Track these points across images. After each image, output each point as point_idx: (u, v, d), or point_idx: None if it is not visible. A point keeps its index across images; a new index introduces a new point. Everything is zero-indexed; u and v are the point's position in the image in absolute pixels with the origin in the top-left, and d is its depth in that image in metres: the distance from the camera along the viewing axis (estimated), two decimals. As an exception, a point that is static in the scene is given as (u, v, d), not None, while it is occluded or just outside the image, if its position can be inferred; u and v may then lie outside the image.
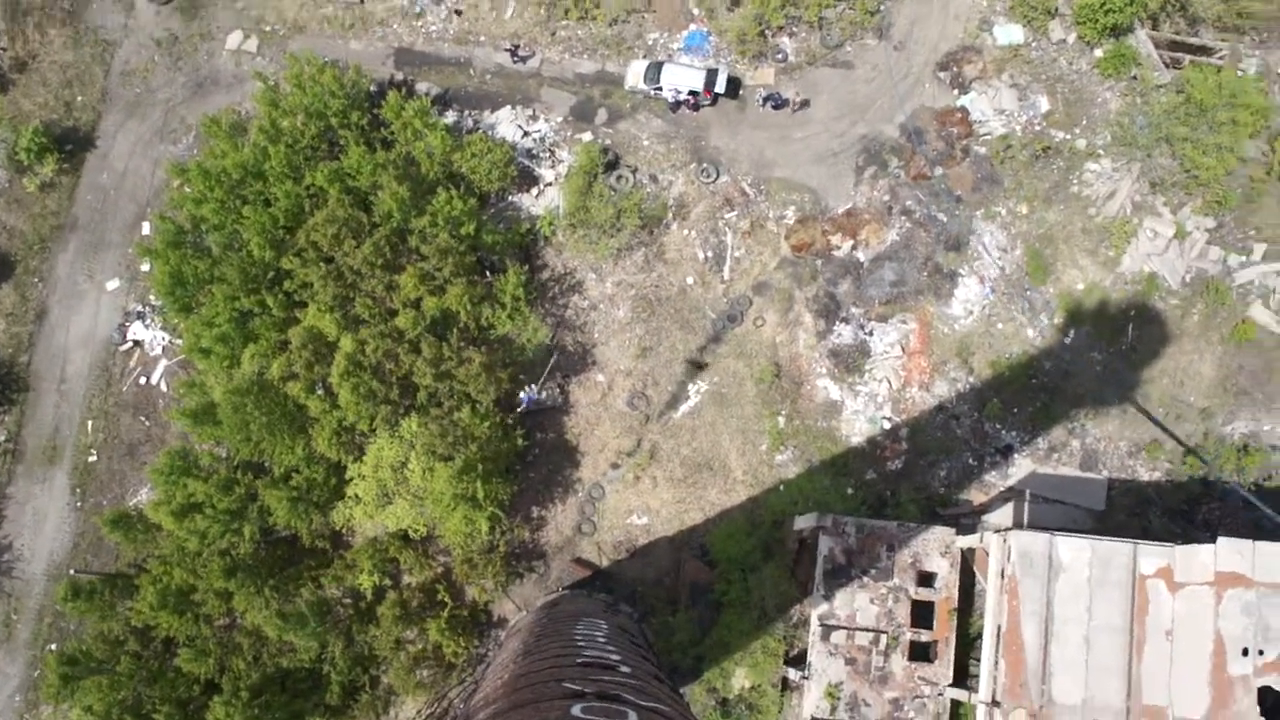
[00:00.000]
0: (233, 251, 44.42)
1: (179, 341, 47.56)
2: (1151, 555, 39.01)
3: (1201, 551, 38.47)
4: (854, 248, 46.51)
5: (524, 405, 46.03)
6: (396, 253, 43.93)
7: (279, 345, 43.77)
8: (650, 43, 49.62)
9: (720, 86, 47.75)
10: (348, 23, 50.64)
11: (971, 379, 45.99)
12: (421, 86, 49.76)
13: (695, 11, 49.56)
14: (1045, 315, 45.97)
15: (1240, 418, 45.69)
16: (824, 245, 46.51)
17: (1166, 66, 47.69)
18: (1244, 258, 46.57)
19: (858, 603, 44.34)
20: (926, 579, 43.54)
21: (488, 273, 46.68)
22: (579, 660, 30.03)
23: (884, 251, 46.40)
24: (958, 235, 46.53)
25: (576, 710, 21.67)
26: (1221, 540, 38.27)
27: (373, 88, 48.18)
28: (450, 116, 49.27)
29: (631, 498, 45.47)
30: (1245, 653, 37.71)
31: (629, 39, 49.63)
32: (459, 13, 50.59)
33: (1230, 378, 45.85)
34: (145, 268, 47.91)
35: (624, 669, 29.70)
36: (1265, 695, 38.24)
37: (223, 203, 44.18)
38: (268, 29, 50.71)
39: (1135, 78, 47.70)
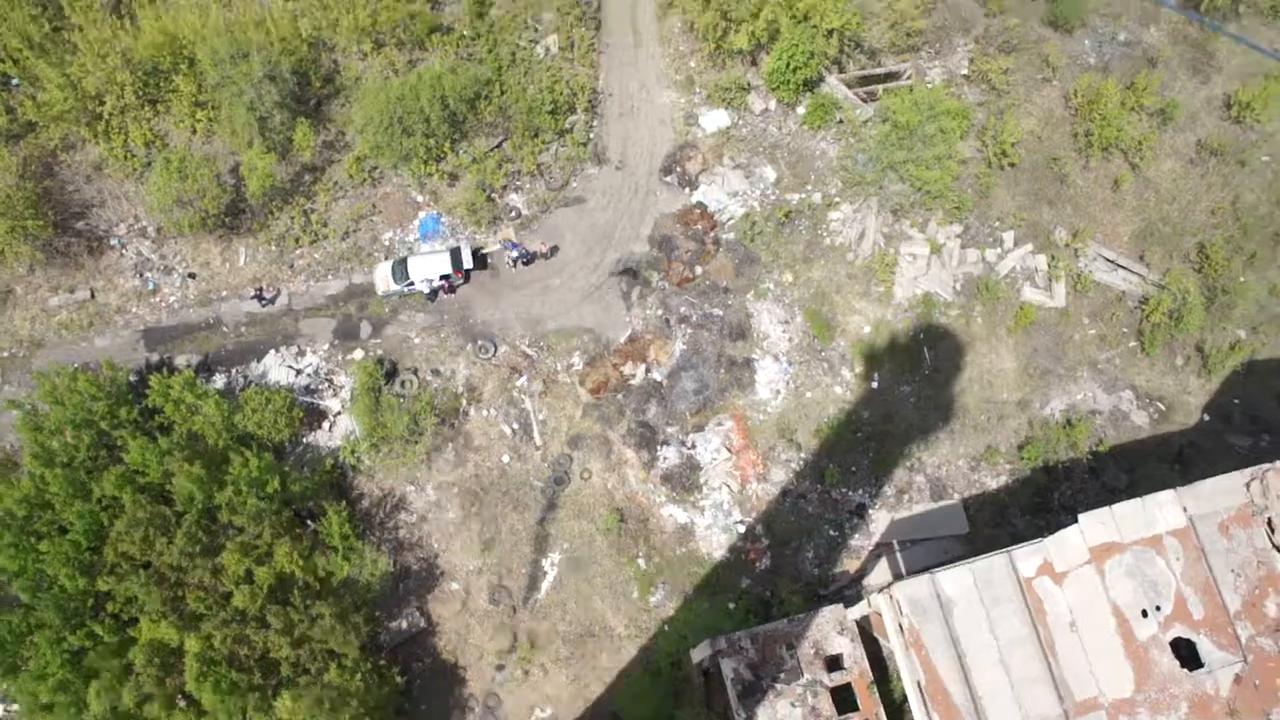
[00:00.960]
0: (43, 593, 49.30)
1: (15, 708, 51.64)
2: (1027, 557, 47.42)
3: (1070, 535, 46.89)
4: (648, 371, 56.04)
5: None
6: (211, 534, 50.24)
7: (124, 671, 48.42)
8: (387, 243, 59.36)
9: (468, 262, 57.08)
10: (86, 322, 58.63)
11: (803, 455, 55.16)
12: (180, 360, 57.81)
13: (420, 199, 59.19)
14: (845, 369, 56.23)
15: (1053, 396, 56.83)
16: (619, 379, 55.74)
17: (865, 101, 59.48)
18: (998, 249, 58.46)
19: (780, 711, 53.13)
20: (834, 663, 50.70)
21: (308, 522, 53.42)
22: None
23: (677, 364, 56.08)
24: (738, 323, 56.52)
25: None
26: (1082, 517, 46.90)
27: (132, 378, 55.57)
28: (219, 380, 57.15)
29: (528, 693, 52.35)
30: (1145, 614, 46.58)
31: (365, 246, 59.13)
32: (193, 276, 59.46)
33: (1030, 363, 56.71)
34: (-57, 648, 50.06)
35: None
36: (1181, 647, 45.93)
37: (16, 546, 49.63)
38: (5, 355, 58.43)
39: (841, 121, 59.35)
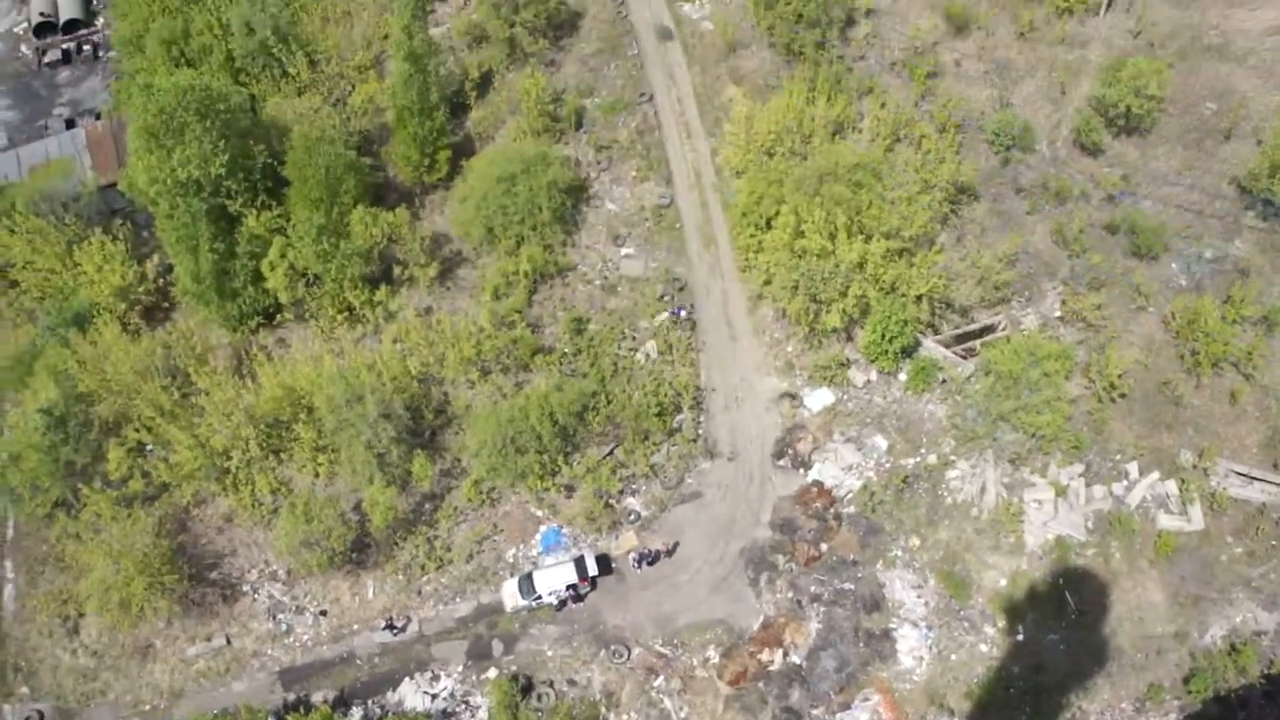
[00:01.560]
0: None
1: None
2: None
3: None
4: (786, 654, 68.80)
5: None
6: None
7: None
8: (511, 560, 74.10)
9: (593, 569, 71.32)
10: (223, 668, 72.91)
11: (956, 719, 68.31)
12: (317, 697, 71.38)
13: (539, 513, 74.90)
14: (988, 625, 68.57)
15: (1212, 622, 68.21)
16: (758, 666, 68.50)
17: (964, 358, 75.36)
18: (1124, 481, 71.81)
19: None
20: None
21: None
22: None
23: (814, 644, 68.86)
24: (871, 595, 69.71)
25: None
26: None
27: (271, 719, 69.76)
28: (356, 714, 70.59)
29: None
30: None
31: (490, 565, 73.95)
32: (324, 614, 74.20)
33: (1179, 591, 68.73)
34: None
35: None
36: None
37: None
38: (147, 708, 72.32)
39: (945, 381, 74.91)
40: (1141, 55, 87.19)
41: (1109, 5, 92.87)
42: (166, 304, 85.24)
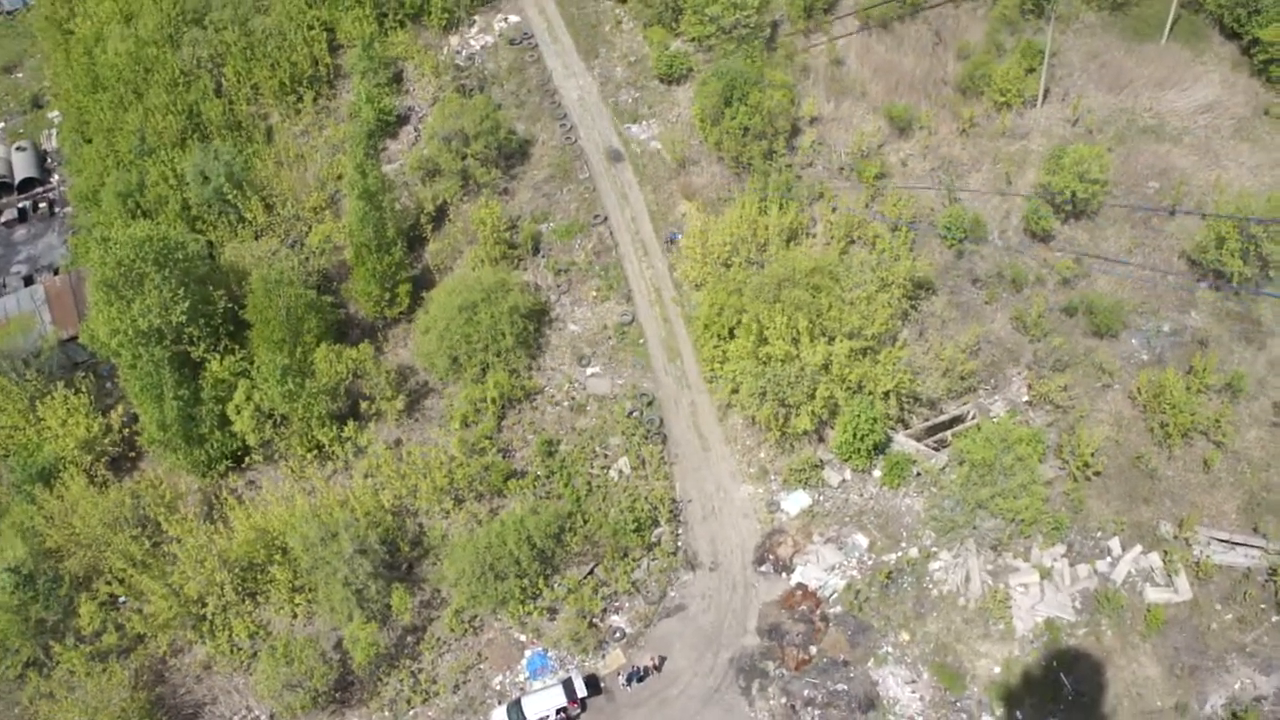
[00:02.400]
0: None
1: None
2: None
3: None
4: None
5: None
6: None
7: None
8: (498, 687, 72.67)
9: (581, 690, 69.87)
10: None
11: None
12: None
13: (522, 638, 73.86)
14: (985, 715, 67.50)
15: (1211, 691, 67.50)
16: None
17: (937, 450, 75.81)
18: (1108, 558, 71.76)
19: None
20: None
21: None
22: None
23: None
24: (865, 694, 68.56)
25: None
26: None
27: None
28: None
29: None
30: None
31: (478, 695, 72.38)
32: None
33: (1174, 664, 68.14)
34: None
35: None
36: None
37: None
38: None
39: (919, 474, 75.16)
40: (1081, 142, 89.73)
41: (1045, 97, 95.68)
42: (133, 453, 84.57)
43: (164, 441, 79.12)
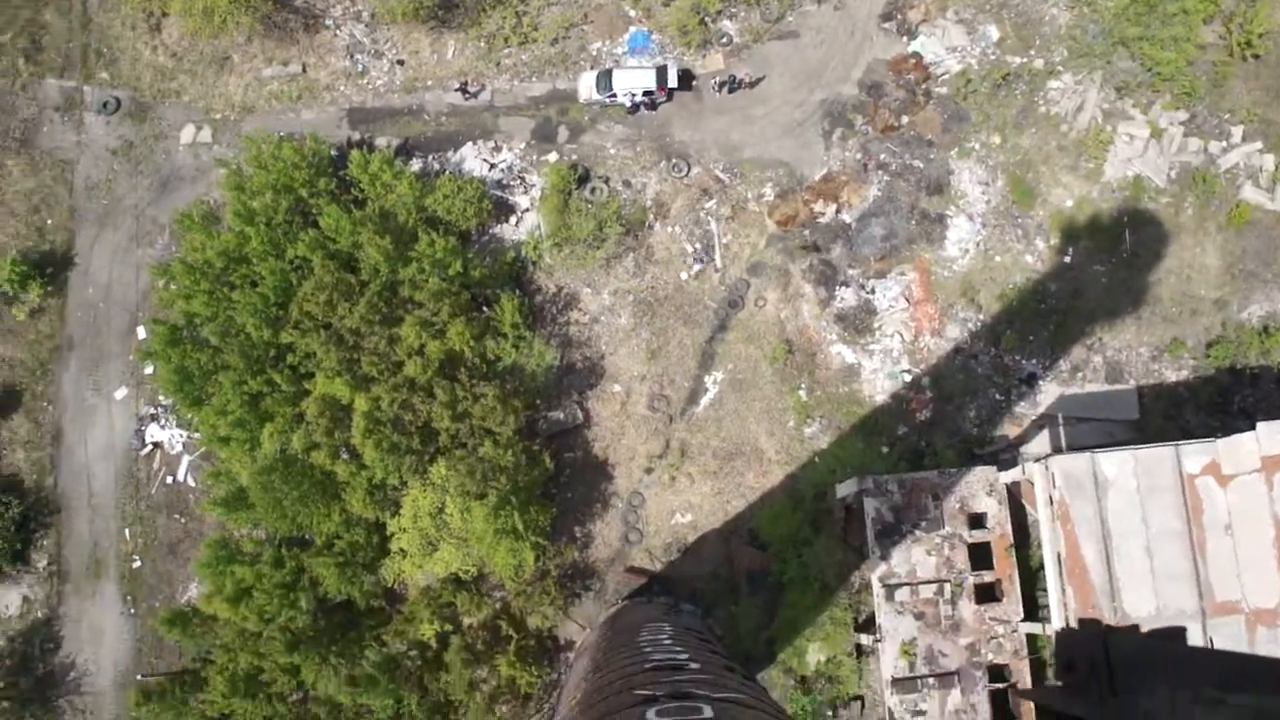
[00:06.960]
0: (231, 338, 65.75)
1: (197, 435, 69.12)
2: (1195, 454, 57.18)
3: (1244, 440, 56.08)
4: (838, 211, 69.18)
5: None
6: (391, 306, 65.58)
7: (295, 419, 64.56)
8: (595, 53, 73.31)
9: (673, 81, 70.43)
10: (295, 94, 74.49)
11: (981, 316, 67.82)
12: (380, 141, 73.05)
13: (632, 13, 73.24)
14: (1040, 239, 68.32)
15: (1254, 300, 67.65)
16: (808, 215, 69.12)
17: None
18: (1224, 143, 69.08)
19: (914, 557, 64.64)
20: (977, 521, 63.31)
21: (484, 308, 68.43)
22: (647, 666, 41.23)
23: (868, 209, 69.11)
24: (937, 178, 69.14)
25: (651, 714, 30.20)
26: (1261, 425, 55.89)
27: (334, 152, 70.71)
28: (416, 164, 72.19)
29: (671, 498, 67.11)
30: (1308, 531, 55.55)
31: (573, 54, 73.22)
32: (401, 63, 74.50)
33: (1236, 263, 67.84)
34: (149, 371, 70.11)
35: (693, 666, 41.52)
36: (1335, 568, 55.20)
37: (211, 293, 65.95)
38: (218, 117, 74.59)
39: None
40: None
41: None
42: None
43: None
